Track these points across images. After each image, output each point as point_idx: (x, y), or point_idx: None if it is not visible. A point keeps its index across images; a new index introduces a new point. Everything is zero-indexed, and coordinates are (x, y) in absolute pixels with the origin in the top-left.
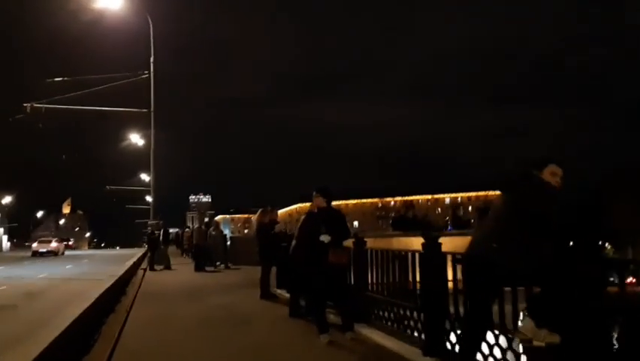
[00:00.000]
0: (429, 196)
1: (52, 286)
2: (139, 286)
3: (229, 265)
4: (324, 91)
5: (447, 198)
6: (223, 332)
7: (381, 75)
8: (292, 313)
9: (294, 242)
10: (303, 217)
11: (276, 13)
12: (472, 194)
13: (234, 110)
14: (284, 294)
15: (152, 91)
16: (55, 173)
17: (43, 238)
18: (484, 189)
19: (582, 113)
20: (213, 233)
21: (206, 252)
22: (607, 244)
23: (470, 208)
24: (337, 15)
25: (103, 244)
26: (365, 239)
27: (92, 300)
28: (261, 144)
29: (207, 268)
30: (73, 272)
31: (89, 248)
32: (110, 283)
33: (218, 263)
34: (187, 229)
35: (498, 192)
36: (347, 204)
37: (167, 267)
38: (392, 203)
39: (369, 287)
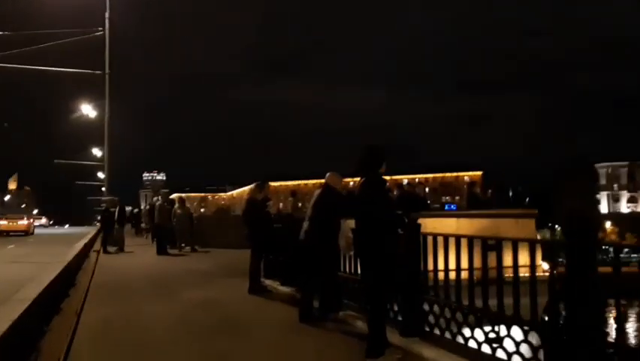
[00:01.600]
0: (387, 177)
1: None
2: (92, 274)
3: (196, 247)
4: (280, 72)
5: (404, 179)
6: (211, 348)
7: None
8: (304, 317)
9: (305, 224)
10: (318, 192)
11: None
12: (429, 175)
13: (190, 86)
14: (277, 287)
15: (107, 50)
16: None
17: (10, 215)
18: (441, 171)
19: (546, 100)
20: (179, 212)
21: (170, 233)
22: (557, 227)
23: (427, 189)
24: None
25: (51, 222)
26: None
27: (30, 300)
28: (215, 123)
29: (170, 251)
30: (15, 254)
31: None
32: (56, 272)
33: (183, 245)
34: (147, 206)
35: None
36: (306, 184)
37: (121, 249)
38: (351, 184)
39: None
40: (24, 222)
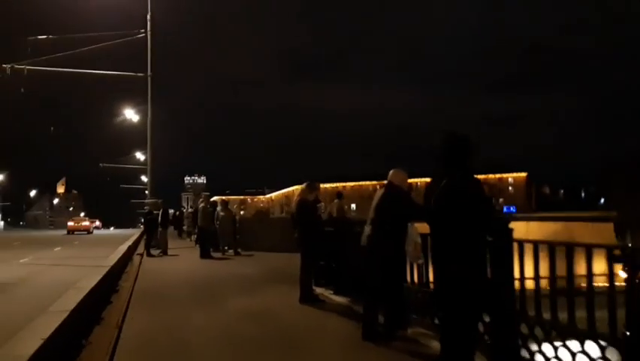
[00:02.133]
0: (428, 179)
1: (29, 277)
2: (135, 280)
3: (239, 250)
4: (320, 75)
5: None
6: None
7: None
8: (368, 334)
9: (368, 228)
10: (380, 193)
11: None
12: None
13: (228, 90)
14: (329, 295)
15: (150, 51)
16: (45, 149)
17: (76, 218)
18: (481, 173)
19: (582, 101)
20: (222, 214)
21: (214, 236)
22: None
23: None
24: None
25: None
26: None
27: (68, 311)
28: (255, 127)
29: (214, 255)
30: (61, 256)
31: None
32: (97, 279)
33: (226, 248)
34: (189, 209)
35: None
36: (344, 187)
37: (164, 252)
38: None
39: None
40: (86, 223)
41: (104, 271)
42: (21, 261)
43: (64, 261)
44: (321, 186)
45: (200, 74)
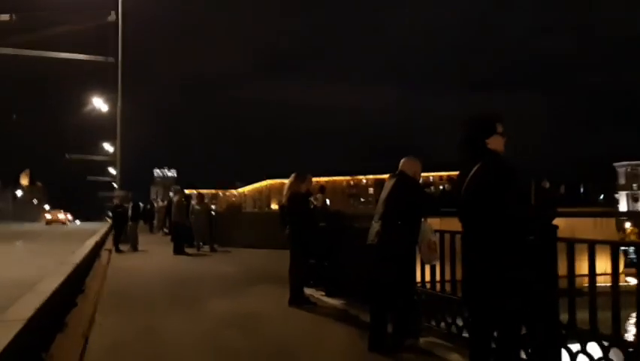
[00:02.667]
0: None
1: None
2: (103, 279)
3: (215, 246)
4: (291, 70)
5: (431, 176)
6: None
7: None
8: (375, 345)
9: (376, 224)
10: (390, 184)
11: None
12: (443, 173)
13: (198, 84)
14: (320, 297)
15: (120, 34)
16: (8, 139)
17: (53, 211)
18: (455, 170)
19: (552, 100)
20: (197, 208)
21: (188, 231)
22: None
23: (441, 187)
24: None
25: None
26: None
27: (25, 320)
28: (225, 121)
29: (188, 251)
30: (21, 251)
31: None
32: (60, 279)
33: (201, 244)
34: (162, 202)
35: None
36: (318, 182)
37: (134, 247)
38: (364, 181)
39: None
40: (62, 216)
41: (68, 269)
42: None
43: (24, 257)
44: None
45: (171, 65)
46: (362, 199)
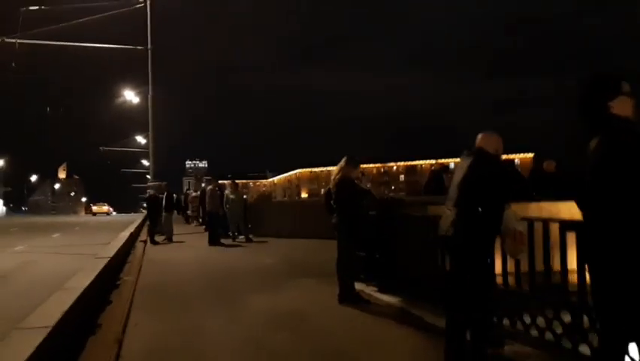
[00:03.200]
0: (433, 161)
1: (17, 269)
2: (138, 273)
3: (250, 236)
4: (320, 59)
5: (451, 162)
6: None
7: (382, 43)
8: (453, 356)
9: (450, 212)
10: (464, 164)
11: None
12: None
13: (227, 75)
14: (372, 293)
15: (149, 23)
16: (45, 133)
17: (98, 203)
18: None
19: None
20: (232, 197)
21: (223, 221)
22: None
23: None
24: None
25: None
26: None
27: (50, 327)
28: (253, 111)
29: (224, 241)
30: (59, 243)
31: (85, 213)
32: (93, 275)
33: (236, 234)
34: (194, 192)
35: None
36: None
37: (169, 238)
38: (394, 168)
39: None
40: (106, 207)
41: (101, 264)
42: (15, 249)
43: (61, 249)
44: (324, 170)
45: (200, 56)
46: (392, 187)
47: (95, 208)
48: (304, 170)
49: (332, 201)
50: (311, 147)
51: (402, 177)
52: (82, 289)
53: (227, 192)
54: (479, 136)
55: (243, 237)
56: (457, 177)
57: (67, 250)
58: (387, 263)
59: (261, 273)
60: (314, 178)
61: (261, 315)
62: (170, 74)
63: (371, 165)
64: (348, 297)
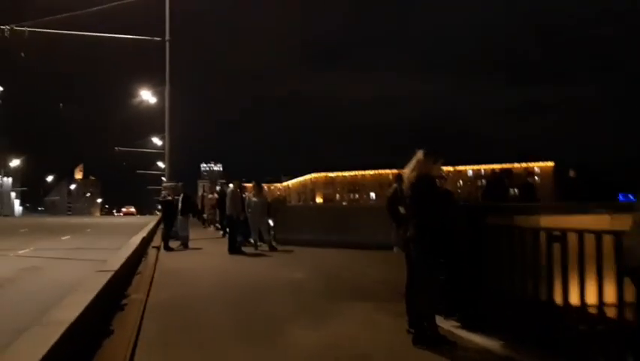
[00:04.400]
0: (450, 168)
1: (14, 279)
2: (149, 289)
3: (274, 244)
4: (337, 63)
5: (469, 170)
6: None
7: (402, 49)
8: None
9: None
10: None
11: None
12: (496, 166)
13: (242, 80)
14: (456, 332)
15: (168, 12)
16: (62, 133)
17: (127, 206)
18: (506, 162)
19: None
20: (254, 200)
21: (244, 226)
22: None
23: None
24: None
25: (115, 211)
26: None
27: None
28: (270, 114)
29: (245, 249)
30: (69, 246)
31: (100, 214)
32: (79, 310)
33: (258, 242)
34: (211, 195)
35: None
36: (364, 175)
37: (185, 245)
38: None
39: None
40: (133, 209)
41: (103, 280)
42: (20, 252)
43: (67, 253)
44: (339, 175)
45: (215, 60)
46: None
47: (124, 210)
48: (319, 174)
49: (403, 207)
50: (325, 153)
51: None
52: (67, 325)
53: (249, 194)
54: None
55: (266, 245)
56: None
57: (73, 254)
58: (476, 289)
59: (294, 291)
60: (329, 183)
61: (306, 358)
62: (188, 75)
63: (387, 171)
64: (428, 338)
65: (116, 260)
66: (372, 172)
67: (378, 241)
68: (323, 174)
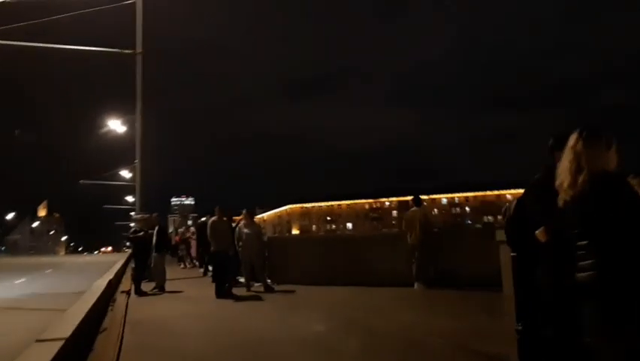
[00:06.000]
0: (425, 197)
1: None
2: (117, 358)
3: (269, 282)
4: (309, 95)
5: (444, 198)
6: None
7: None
8: None
9: None
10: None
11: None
12: (470, 194)
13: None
14: None
15: (140, 20)
16: (21, 168)
17: (105, 247)
18: (480, 190)
19: (570, 113)
20: (246, 231)
21: (234, 263)
22: None
23: (467, 209)
24: (322, 19)
25: (80, 249)
26: None
27: None
28: (241, 146)
29: (236, 292)
30: (18, 292)
31: (65, 253)
32: None
33: (252, 282)
34: (191, 227)
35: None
36: (340, 205)
37: (161, 288)
38: (387, 204)
39: None
40: (109, 248)
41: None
42: None
43: (15, 303)
44: (315, 205)
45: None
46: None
47: (103, 249)
48: (295, 205)
49: (543, 234)
50: (298, 184)
51: (394, 212)
52: None
53: (240, 225)
54: None
55: (259, 284)
56: None
57: (23, 303)
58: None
59: (318, 353)
60: (305, 214)
61: None
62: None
63: (362, 201)
64: None
65: (69, 321)
66: (348, 202)
67: (395, 275)
68: (299, 205)
